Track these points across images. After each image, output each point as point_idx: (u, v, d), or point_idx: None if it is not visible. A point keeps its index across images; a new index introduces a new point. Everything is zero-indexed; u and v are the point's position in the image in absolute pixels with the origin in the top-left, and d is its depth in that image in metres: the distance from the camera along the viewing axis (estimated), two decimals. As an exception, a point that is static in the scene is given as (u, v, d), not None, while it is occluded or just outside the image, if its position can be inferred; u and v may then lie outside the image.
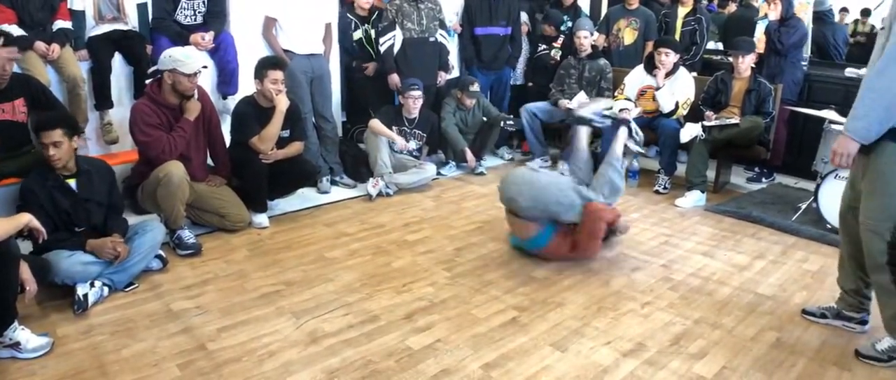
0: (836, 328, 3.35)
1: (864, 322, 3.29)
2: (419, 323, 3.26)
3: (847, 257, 3.26)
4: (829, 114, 4.96)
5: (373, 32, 5.87)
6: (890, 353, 3.01)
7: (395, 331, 3.17)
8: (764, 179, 6.16)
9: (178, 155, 4.07)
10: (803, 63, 6.09)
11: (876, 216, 2.91)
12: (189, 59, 4.04)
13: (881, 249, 2.91)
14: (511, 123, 6.12)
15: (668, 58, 5.60)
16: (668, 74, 5.64)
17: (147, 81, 4.40)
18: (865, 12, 9.34)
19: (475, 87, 5.94)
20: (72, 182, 3.45)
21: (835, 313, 3.39)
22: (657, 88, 5.59)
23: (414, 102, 5.53)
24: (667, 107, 5.55)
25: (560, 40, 6.69)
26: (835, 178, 4.62)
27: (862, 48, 7.47)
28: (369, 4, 5.80)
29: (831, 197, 4.65)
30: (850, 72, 6.18)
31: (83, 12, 4.57)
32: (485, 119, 6.12)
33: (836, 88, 6.03)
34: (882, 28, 2.89)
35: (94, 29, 4.62)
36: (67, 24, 4.47)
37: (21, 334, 2.85)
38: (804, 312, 3.50)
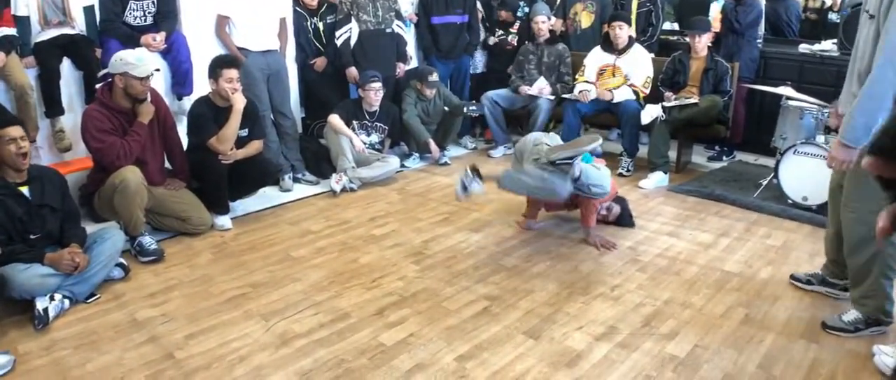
0: (819, 296, 3.45)
1: (846, 289, 3.33)
2: (390, 318, 3.23)
3: (833, 232, 3.29)
4: (785, 90, 5.03)
5: (321, 25, 5.80)
6: (856, 324, 3.08)
7: (366, 328, 3.14)
8: (725, 158, 6.24)
9: (133, 160, 3.97)
10: (759, 41, 6.17)
11: (859, 200, 2.91)
12: (141, 62, 3.93)
13: (861, 233, 2.92)
14: (473, 108, 6.09)
15: (621, 31, 5.68)
16: (623, 52, 5.70)
17: (97, 86, 4.28)
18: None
19: (434, 77, 5.89)
20: (24, 189, 3.33)
21: (820, 279, 3.49)
22: (615, 63, 5.69)
23: (375, 95, 5.46)
24: (638, 80, 5.67)
25: (516, 26, 6.69)
26: (794, 153, 4.69)
27: (814, 25, 7.56)
28: None
29: (791, 172, 4.73)
30: (803, 48, 6.27)
31: (28, 18, 4.41)
32: (446, 108, 6.09)
33: (791, 65, 6.12)
34: (867, 12, 2.81)
35: (40, 34, 4.47)
36: (11, 31, 4.31)
37: (-20, 353, 2.76)
38: (792, 277, 3.59)
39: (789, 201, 4.75)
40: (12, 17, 4.34)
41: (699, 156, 6.30)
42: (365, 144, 5.52)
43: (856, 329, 3.08)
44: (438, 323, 3.18)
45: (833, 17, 7.52)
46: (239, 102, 4.38)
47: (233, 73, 4.37)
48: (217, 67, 4.38)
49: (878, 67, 2.63)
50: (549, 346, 2.99)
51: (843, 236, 3.07)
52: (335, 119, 5.37)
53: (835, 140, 2.89)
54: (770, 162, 5.41)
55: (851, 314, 3.11)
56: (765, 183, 5.11)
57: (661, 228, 4.46)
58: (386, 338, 3.04)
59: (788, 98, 4.98)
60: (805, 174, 4.60)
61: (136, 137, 3.99)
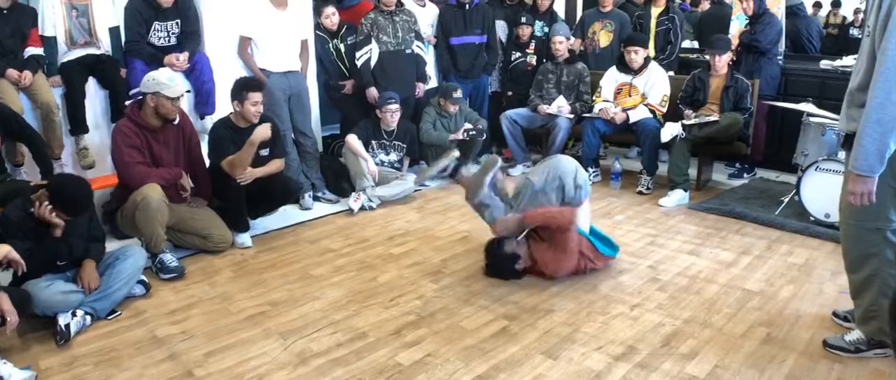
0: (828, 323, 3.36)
1: None
2: (408, 338, 3.23)
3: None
4: (806, 107, 5.00)
5: (342, 47, 5.86)
6: (858, 344, 3.00)
7: (384, 347, 3.14)
8: (745, 175, 6.19)
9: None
10: (779, 58, 6.14)
11: (855, 217, 2.81)
12: (173, 84, 4.00)
13: (859, 250, 2.84)
14: (471, 129, 5.99)
15: (637, 55, 5.68)
16: (639, 71, 5.71)
17: (127, 103, 4.35)
18: (836, 3, 9.42)
19: (458, 94, 5.92)
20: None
21: None
22: (631, 82, 5.68)
23: (391, 116, 5.50)
24: (655, 98, 5.66)
25: (532, 46, 6.68)
26: (816, 170, 4.64)
27: (835, 40, 7.54)
28: (337, 21, 5.79)
29: (813, 189, 4.68)
30: (825, 64, 6.23)
31: (54, 38, 4.52)
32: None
33: (812, 81, 6.09)
34: (865, 31, 2.72)
35: (67, 54, 4.58)
36: (39, 51, 4.42)
37: (3, 368, 2.79)
38: (835, 315, 3.40)
39: (811, 219, 4.70)
40: (40, 37, 4.45)
41: (720, 173, 6.25)
42: (384, 163, 5.55)
43: (856, 350, 2.99)
44: (456, 343, 3.17)
45: (854, 32, 7.50)
46: (258, 136, 4.32)
47: (258, 96, 4.41)
48: (243, 90, 4.40)
49: (880, 90, 2.50)
50: (568, 366, 2.97)
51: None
52: (352, 139, 5.41)
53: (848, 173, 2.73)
54: (791, 179, 5.36)
55: (855, 334, 3.03)
56: (786, 200, 5.06)
57: (682, 246, 4.43)
58: (403, 358, 3.04)
59: (810, 115, 4.94)
60: (827, 191, 4.54)
61: (164, 172, 4.07)
